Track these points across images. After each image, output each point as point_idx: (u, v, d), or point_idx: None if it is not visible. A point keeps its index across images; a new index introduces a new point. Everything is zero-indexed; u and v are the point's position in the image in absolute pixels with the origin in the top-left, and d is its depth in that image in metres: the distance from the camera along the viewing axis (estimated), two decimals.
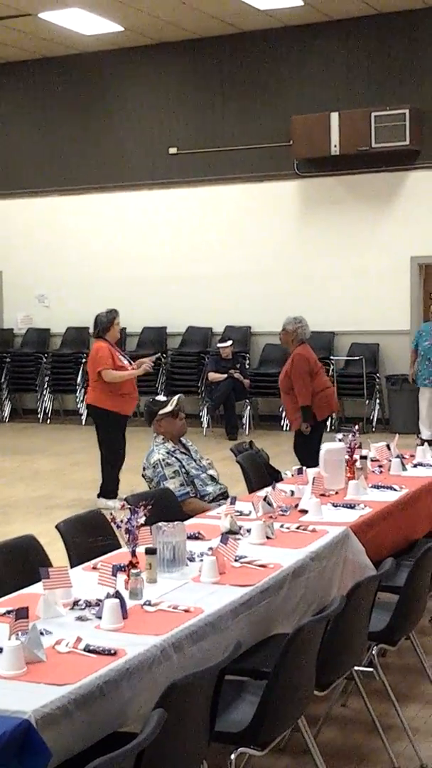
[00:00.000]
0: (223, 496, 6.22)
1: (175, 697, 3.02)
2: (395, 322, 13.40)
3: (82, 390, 13.90)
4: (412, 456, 6.88)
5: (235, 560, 4.36)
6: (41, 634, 3.38)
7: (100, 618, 3.61)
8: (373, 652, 4.43)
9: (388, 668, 4.95)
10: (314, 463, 6.30)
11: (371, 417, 13.44)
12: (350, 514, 5.34)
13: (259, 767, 4.18)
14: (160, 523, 4.35)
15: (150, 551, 4.13)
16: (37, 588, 3.90)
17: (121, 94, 15.03)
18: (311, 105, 13.62)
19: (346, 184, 13.80)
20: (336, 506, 5.50)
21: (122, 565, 4.06)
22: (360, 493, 5.74)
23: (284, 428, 12.79)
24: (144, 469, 6.41)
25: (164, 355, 14.41)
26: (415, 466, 6.67)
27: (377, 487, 5.95)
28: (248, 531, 4.84)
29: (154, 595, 3.91)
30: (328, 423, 11.84)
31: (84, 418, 14.03)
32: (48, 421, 14.98)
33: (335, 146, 13.32)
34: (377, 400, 13.50)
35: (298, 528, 4.99)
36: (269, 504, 5.25)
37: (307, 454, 7.90)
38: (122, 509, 4.27)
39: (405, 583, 4.55)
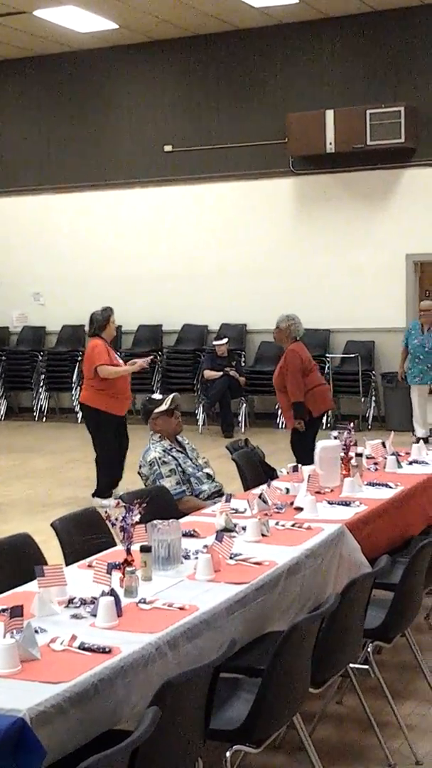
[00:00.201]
0: (218, 493, 6.23)
1: (170, 695, 3.02)
2: (391, 319, 13.39)
3: (78, 388, 13.86)
4: (408, 453, 6.87)
5: (230, 558, 4.36)
6: (36, 632, 3.39)
7: (95, 616, 3.62)
8: (369, 649, 4.43)
9: (383, 665, 4.95)
10: (310, 461, 6.30)
11: (367, 414, 13.44)
12: (345, 511, 5.35)
13: (254, 765, 4.19)
14: (155, 521, 4.35)
15: (145, 549, 4.13)
16: (32, 586, 3.90)
17: (117, 92, 15.01)
18: (306, 102, 13.61)
19: (342, 181, 13.80)
20: (331, 504, 5.50)
21: (117, 563, 4.06)
22: (355, 490, 5.74)
23: (280, 426, 12.78)
24: (140, 466, 6.41)
25: (160, 353, 14.40)
26: (410, 463, 6.67)
27: (372, 484, 5.95)
28: (243, 529, 4.84)
29: (149, 593, 3.92)
30: (324, 420, 11.88)
31: (79, 416, 14.01)
32: (44, 419, 14.97)
33: (330, 144, 13.30)
34: (373, 398, 13.50)
35: (293, 525, 5.00)
36: (264, 501, 5.26)
37: (303, 451, 7.90)
38: (117, 507, 4.27)
39: (400, 581, 4.56)
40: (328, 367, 13.32)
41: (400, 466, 6.48)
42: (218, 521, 4.89)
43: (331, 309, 13.70)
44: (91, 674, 3.14)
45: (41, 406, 15.05)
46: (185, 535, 4.70)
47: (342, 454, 6.08)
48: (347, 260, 13.72)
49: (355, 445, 6.32)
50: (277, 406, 12.47)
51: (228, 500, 5.14)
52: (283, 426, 11.36)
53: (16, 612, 3.35)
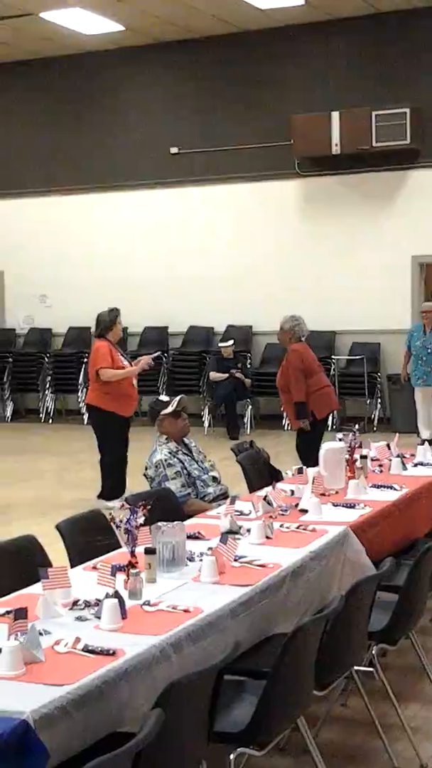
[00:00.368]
0: (224, 496, 6.21)
1: (174, 697, 3.02)
2: (396, 321, 13.39)
3: (84, 390, 13.89)
4: (413, 455, 6.87)
5: (235, 560, 4.35)
6: (40, 634, 3.38)
7: (99, 618, 3.61)
8: (373, 651, 4.43)
9: (388, 668, 4.95)
10: (316, 463, 6.29)
11: (372, 416, 13.44)
12: (350, 513, 5.34)
13: (258, 767, 4.19)
14: (159, 523, 4.35)
15: (149, 551, 4.13)
16: (36, 588, 3.90)
17: (123, 94, 15.03)
18: (312, 104, 13.62)
19: (347, 183, 13.80)
20: (336, 506, 5.49)
21: (121, 565, 4.06)
22: (360, 492, 5.74)
23: (286, 428, 12.78)
24: (146, 468, 6.42)
25: (166, 355, 14.41)
26: (415, 465, 6.66)
27: (377, 486, 5.94)
28: (248, 531, 4.84)
29: (154, 595, 3.91)
30: (330, 422, 11.87)
31: (86, 418, 14.02)
32: (50, 421, 14.99)
33: (336, 145, 13.32)
34: (378, 400, 13.50)
35: (297, 528, 4.99)
36: (269, 503, 5.25)
37: (308, 453, 7.90)
38: (122, 509, 4.27)
39: (405, 583, 4.55)
40: (334, 369, 13.32)
41: (405, 468, 6.48)
42: (223, 523, 4.89)
43: (336, 310, 13.70)
44: (94, 676, 3.14)
45: (48, 407, 15.07)
46: (190, 537, 4.70)
47: (347, 456, 6.07)
48: (353, 262, 13.72)
49: (360, 447, 6.32)
50: (282, 408, 12.46)
51: (233, 502, 5.14)
52: (289, 428, 11.36)
53: (21, 614, 3.35)
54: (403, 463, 6.51)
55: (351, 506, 5.47)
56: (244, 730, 3.46)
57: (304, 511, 5.31)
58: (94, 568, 4.21)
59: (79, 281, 15.18)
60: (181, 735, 3.14)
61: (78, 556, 4.65)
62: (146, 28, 13.90)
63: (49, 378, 15.08)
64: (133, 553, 4.05)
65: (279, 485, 5.86)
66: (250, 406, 13.74)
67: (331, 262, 13.85)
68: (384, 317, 13.54)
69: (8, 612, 3.49)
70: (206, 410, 13.79)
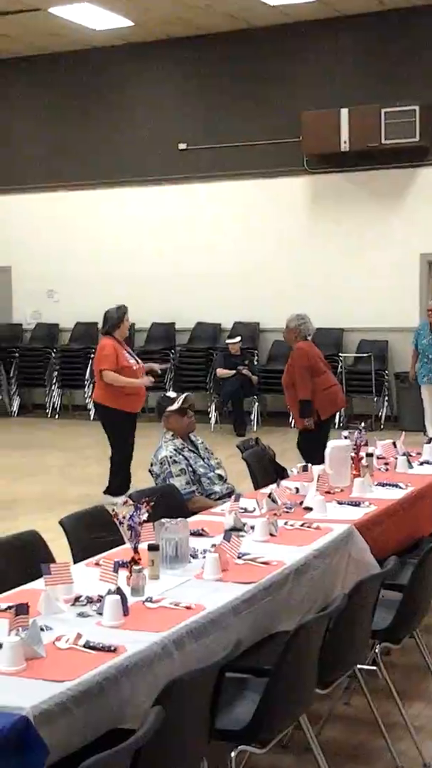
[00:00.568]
0: (230, 495, 6.19)
1: (175, 694, 3.01)
2: (405, 319, 13.35)
3: (91, 385, 13.87)
4: (419, 454, 6.84)
5: (238, 557, 4.34)
6: (42, 630, 3.38)
7: (101, 614, 3.60)
8: (377, 650, 4.41)
9: (392, 666, 4.94)
10: (319, 462, 6.27)
11: (380, 414, 13.42)
12: (355, 511, 5.32)
13: (261, 765, 4.18)
14: (163, 520, 4.34)
15: (152, 548, 4.12)
16: (39, 584, 3.89)
17: (131, 90, 15.01)
18: (321, 101, 13.58)
19: (356, 180, 13.77)
20: (341, 504, 5.47)
21: (124, 561, 4.05)
22: (365, 490, 5.72)
23: (292, 425, 12.73)
24: (151, 464, 6.41)
25: (173, 351, 14.40)
26: (421, 464, 6.64)
27: (383, 484, 5.92)
28: (252, 528, 4.82)
29: (156, 592, 3.90)
30: (337, 420, 11.83)
31: (92, 413, 14.02)
32: (56, 416, 14.99)
33: (345, 142, 13.29)
34: (386, 398, 13.47)
35: (302, 525, 4.97)
36: (274, 501, 5.24)
37: (313, 451, 7.87)
38: (125, 505, 4.26)
39: (409, 581, 4.53)
40: (341, 367, 13.30)
41: (411, 467, 6.46)
42: (227, 520, 4.88)
43: (344, 308, 13.68)
44: (95, 673, 3.13)
45: (54, 403, 15.08)
46: (194, 534, 4.69)
47: (352, 454, 6.05)
48: (361, 259, 13.69)
49: (366, 445, 6.30)
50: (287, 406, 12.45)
51: (237, 499, 5.13)
52: (295, 425, 11.32)
53: (22, 610, 3.34)
54: (409, 462, 6.49)
55: (356, 504, 5.45)
56: (246, 728, 3.46)
57: (309, 509, 5.30)
58: (97, 564, 4.20)
59: (86, 277, 15.18)
60: (181, 732, 3.13)
61: (81, 552, 4.65)
62: (154, 24, 13.88)
63: (55, 373, 15.08)
64: (136, 550, 4.04)
65: (284, 483, 5.84)
66: (256, 403, 13.72)
67: (339, 260, 13.82)
68: (392, 315, 13.51)
69: (10, 607, 3.49)
70: (213, 407, 13.77)
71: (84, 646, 3.31)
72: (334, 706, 4.60)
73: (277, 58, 14.07)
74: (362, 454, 6.10)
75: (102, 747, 2.76)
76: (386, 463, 6.54)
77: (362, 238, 13.72)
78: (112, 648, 3.29)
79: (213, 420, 13.70)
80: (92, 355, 13.69)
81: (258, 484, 6.39)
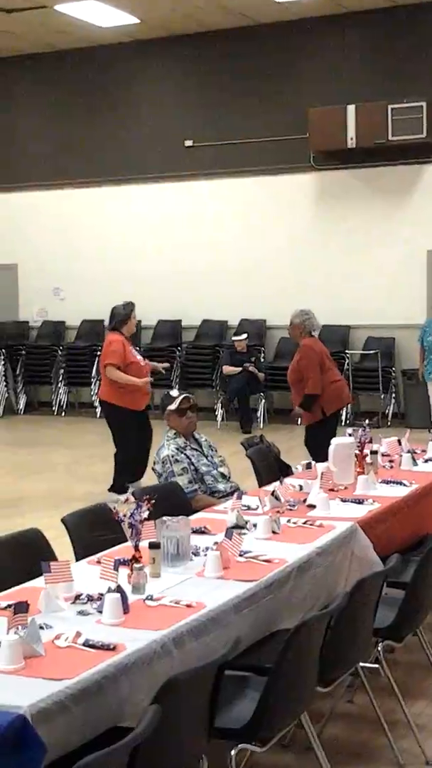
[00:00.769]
0: (234, 493, 6.18)
1: (172, 692, 3.00)
2: (411, 315, 13.32)
3: (97, 383, 13.88)
4: (424, 451, 6.81)
5: (240, 555, 4.33)
6: (41, 628, 3.38)
7: (101, 612, 3.60)
8: (379, 648, 4.40)
9: (395, 664, 4.92)
10: (325, 458, 6.25)
11: (387, 411, 13.39)
12: (358, 509, 5.31)
13: (262, 763, 4.17)
14: (164, 517, 4.33)
15: (153, 546, 4.11)
16: (40, 582, 3.88)
17: (137, 87, 15.00)
18: (328, 97, 13.55)
19: (363, 177, 13.74)
20: (344, 501, 5.46)
21: (125, 559, 4.04)
22: (369, 488, 5.70)
23: (299, 422, 12.72)
24: (154, 463, 6.40)
25: (179, 348, 14.40)
26: (426, 461, 6.61)
27: (387, 482, 5.90)
28: (255, 525, 4.81)
29: (157, 590, 3.90)
30: (344, 417, 11.83)
31: (98, 411, 14.02)
32: (63, 413, 14.99)
33: (352, 139, 13.26)
34: (393, 395, 13.44)
35: (305, 523, 4.96)
36: (277, 498, 5.22)
37: (319, 448, 7.84)
38: (126, 503, 4.25)
39: (412, 579, 4.52)
40: (348, 364, 13.27)
41: (415, 464, 6.43)
42: (229, 518, 4.87)
43: (351, 305, 13.65)
44: (94, 671, 3.12)
45: (60, 400, 15.08)
46: (197, 531, 4.69)
47: (357, 452, 6.03)
48: (368, 256, 13.66)
49: (371, 442, 6.28)
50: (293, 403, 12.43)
51: (239, 497, 5.12)
52: (301, 422, 11.30)
53: (21, 608, 3.34)
54: (414, 459, 6.47)
55: (359, 502, 5.43)
56: (246, 726, 3.44)
57: (312, 507, 5.28)
58: (98, 562, 4.19)
59: (92, 274, 15.18)
60: (179, 730, 3.12)
61: (83, 550, 4.64)
62: (160, 21, 13.86)
63: (62, 371, 15.08)
64: (137, 548, 4.03)
65: (288, 480, 5.82)
66: (263, 400, 13.71)
67: (345, 256, 13.79)
68: (399, 312, 13.47)
69: (10, 606, 3.48)
70: (219, 404, 13.76)
71: (83, 645, 3.30)
72: (337, 704, 4.59)
73: (284, 55, 14.05)
74: (366, 451, 6.08)
75: (101, 745, 2.76)
76: (391, 461, 6.52)
77: (369, 234, 13.69)
78: (112, 646, 3.29)
79: (219, 417, 13.69)
80: (99, 353, 13.66)
81: (262, 482, 6.37)
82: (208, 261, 14.51)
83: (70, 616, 3.62)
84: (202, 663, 3.25)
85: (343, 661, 4.07)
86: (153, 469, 6.41)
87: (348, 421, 12.15)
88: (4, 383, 14.97)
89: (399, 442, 6.84)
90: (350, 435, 6.20)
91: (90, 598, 3.76)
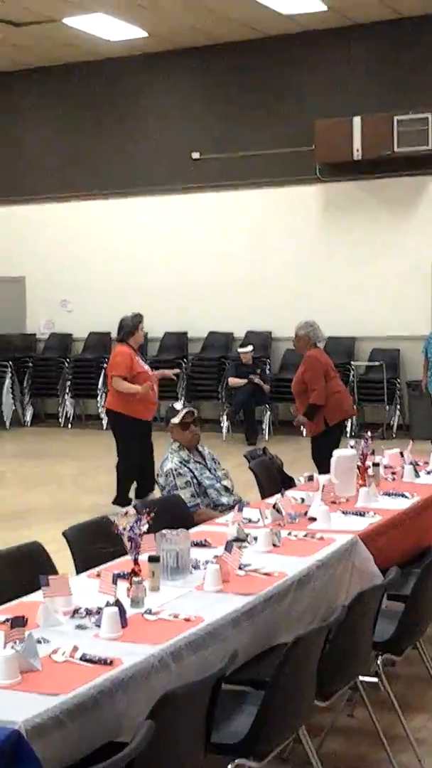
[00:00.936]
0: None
1: (168, 707, 3.00)
2: (416, 327, 13.30)
3: (104, 395, 13.90)
4: (426, 463, 6.81)
5: (240, 568, 4.33)
6: (39, 642, 3.38)
7: (99, 627, 3.60)
8: (379, 661, 4.39)
9: (395, 677, 4.91)
10: (327, 470, 6.25)
11: (391, 423, 13.38)
12: (360, 521, 5.30)
13: None
14: (164, 531, 4.33)
15: (152, 559, 4.11)
16: (39, 596, 3.89)
17: (145, 99, 15.06)
18: (334, 109, 13.57)
19: (369, 188, 13.75)
20: (346, 514, 5.46)
21: (124, 572, 4.04)
22: (371, 500, 5.70)
23: (304, 434, 12.72)
24: (157, 476, 6.41)
25: (185, 360, 14.41)
26: (429, 473, 6.61)
27: (389, 494, 5.90)
28: (255, 539, 4.81)
29: (156, 604, 3.90)
30: (348, 428, 11.81)
31: (105, 423, 14.03)
32: (69, 425, 15.01)
33: (358, 151, 13.28)
34: (398, 406, 13.43)
35: (305, 536, 4.96)
36: (278, 511, 5.23)
37: (323, 460, 7.84)
38: (125, 516, 4.26)
39: (411, 592, 4.51)
40: (353, 375, 13.27)
41: (417, 476, 6.43)
42: (230, 531, 4.87)
43: (356, 317, 13.66)
44: (90, 686, 3.12)
45: (67, 412, 15.09)
46: (197, 544, 4.69)
47: (359, 464, 6.03)
48: (373, 268, 13.67)
49: (373, 454, 6.28)
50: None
51: (240, 509, 5.12)
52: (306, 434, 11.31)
53: (18, 622, 3.34)
54: (416, 471, 6.46)
55: (361, 514, 5.43)
56: (243, 741, 3.44)
57: (313, 519, 5.28)
58: (98, 575, 4.20)
59: (99, 286, 15.21)
60: (175, 745, 3.11)
61: (83, 563, 4.64)
62: (168, 35, 13.92)
63: (68, 383, 15.10)
64: (136, 561, 4.04)
65: (290, 493, 5.82)
66: (268, 412, 13.71)
67: (351, 268, 13.80)
68: (404, 323, 13.47)
69: (8, 620, 3.49)
70: (225, 416, 13.76)
71: (80, 659, 3.30)
72: (337, 718, 4.58)
73: (290, 67, 14.09)
74: (368, 463, 6.08)
75: (97, 760, 2.77)
76: (393, 473, 6.51)
77: (374, 246, 13.70)
78: (108, 661, 3.29)
79: (225, 429, 13.69)
80: (105, 365, 13.71)
81: (265, 494, 6.37)
82: (214, 273, 14.53)
83: (68, 630, 3.63)
84: (200, 677, 3.25)
85: (342, 675, 4.06)
86: (156, 482, 6.41)
87: (353, 433, 12.14)
88: (11, 395, 14.99)
89: (402, 453, 6.83)
90: (352, 447, 6.20)
91: (89, 612, 3.76)
